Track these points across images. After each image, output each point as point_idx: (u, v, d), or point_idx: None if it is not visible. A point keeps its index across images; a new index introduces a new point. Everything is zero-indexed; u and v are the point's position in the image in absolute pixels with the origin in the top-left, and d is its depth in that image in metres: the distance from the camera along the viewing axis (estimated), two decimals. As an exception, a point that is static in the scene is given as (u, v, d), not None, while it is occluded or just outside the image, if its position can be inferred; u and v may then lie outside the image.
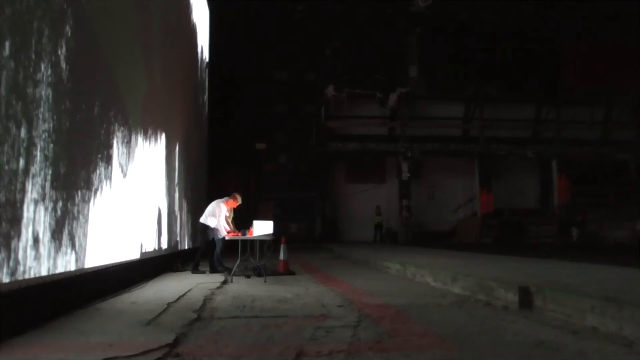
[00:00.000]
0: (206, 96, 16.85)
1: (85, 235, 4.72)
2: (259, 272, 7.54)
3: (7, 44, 3.24)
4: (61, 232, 4.17)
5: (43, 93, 3.80)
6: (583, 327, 3.46)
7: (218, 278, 7.41)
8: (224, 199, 8.59)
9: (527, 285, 4.32)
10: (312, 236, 21.87)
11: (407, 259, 8.86)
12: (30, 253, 3.59)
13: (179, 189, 10.33)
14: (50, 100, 3.92)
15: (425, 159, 22.72)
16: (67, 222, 4.29)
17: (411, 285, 6.49)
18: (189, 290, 5.92)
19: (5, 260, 3.24)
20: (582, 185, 22.40)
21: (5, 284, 3.23)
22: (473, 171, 23.46)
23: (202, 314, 4.27)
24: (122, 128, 6.01)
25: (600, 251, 13.23)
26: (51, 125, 3.95)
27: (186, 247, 10.94)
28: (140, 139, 6.99)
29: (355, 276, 7.68)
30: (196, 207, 11.63)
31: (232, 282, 6.97)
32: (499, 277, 5.09)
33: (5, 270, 3.23)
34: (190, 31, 12.93)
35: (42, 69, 3.79)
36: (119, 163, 5.87)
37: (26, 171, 3.52)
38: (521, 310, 4.18)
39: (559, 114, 23.25)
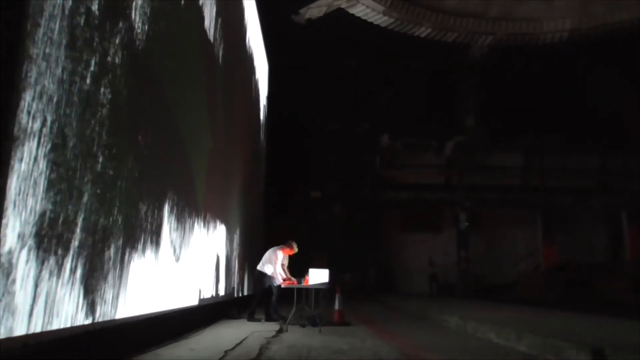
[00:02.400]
0: (264, 145, 17.40)
1: (131, 281, 4.88)
2: (314, 322, 7.46)
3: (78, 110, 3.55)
4: (127, 274, 4.35)
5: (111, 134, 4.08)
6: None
7: (273, 327, 7.39)
8: (280, 246, 8.66)
9: (601, 347, 4.04)
10: (365, 286, 21.43)
11: (467, 312, 8.51)
12: (99, 300, 3.76)
13: (237, 237, 10.55)
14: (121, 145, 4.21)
15: (483, 209, 22.05)
16: (128, 266, 4.48)
17: (472, 341, 6.21)
18: (245, 339, 5.94)
19: (91, 308, 3.41)
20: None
21: (74, 327, 3.36)
22: (534, 222, 22.51)
23: (258, 364, 4.27)
24: (186, 180, 6.29)
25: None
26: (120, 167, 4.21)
27: (242, 294, 11.03)
28: (202, 191, 7.26)
29: (412, 330, 7.45)
30: (252, 254, 11.79)
31: (287, 331, 6.94)
32: (568, 336, 4.79)
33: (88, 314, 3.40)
34: (253, 86, 13.56)
35: (107, 115, 4.09)
36: (178, 215, 6.01)
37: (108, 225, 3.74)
38: (595, 373, 3.90)
39: (626, 163, 22.13)
